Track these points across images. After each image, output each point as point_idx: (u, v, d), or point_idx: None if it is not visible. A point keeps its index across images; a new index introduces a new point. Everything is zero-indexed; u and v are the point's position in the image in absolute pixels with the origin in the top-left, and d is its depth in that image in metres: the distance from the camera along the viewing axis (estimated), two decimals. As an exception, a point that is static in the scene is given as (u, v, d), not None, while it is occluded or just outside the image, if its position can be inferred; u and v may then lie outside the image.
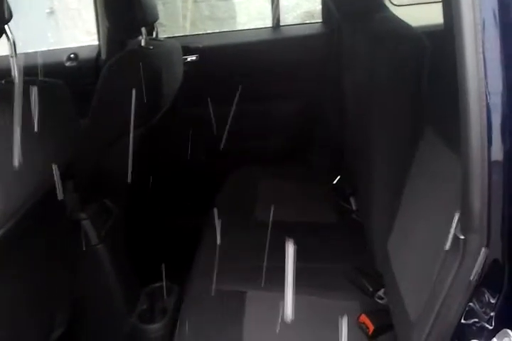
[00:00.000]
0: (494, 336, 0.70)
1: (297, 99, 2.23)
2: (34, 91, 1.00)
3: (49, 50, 2.25)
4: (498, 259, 0.72)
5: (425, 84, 1.25)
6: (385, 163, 1.40)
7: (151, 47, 1.69)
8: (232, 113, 2.18)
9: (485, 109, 0.72)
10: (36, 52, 2.21)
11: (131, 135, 1.59)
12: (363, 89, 1.56)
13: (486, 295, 0.73)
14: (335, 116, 1.95)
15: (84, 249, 1.57)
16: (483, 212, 0.71)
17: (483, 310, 0.73)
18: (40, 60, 2.14)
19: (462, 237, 0.73)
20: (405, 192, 1.28)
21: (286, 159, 2.31)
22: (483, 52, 0.71)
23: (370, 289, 1.43)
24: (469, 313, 0.75)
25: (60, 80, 1.24)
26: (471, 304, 0.75)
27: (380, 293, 1.42)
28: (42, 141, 1.07)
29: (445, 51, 1.00)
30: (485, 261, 0.72)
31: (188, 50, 2.14)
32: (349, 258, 1.58)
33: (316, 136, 2.21)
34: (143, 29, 1.66)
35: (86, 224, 1.56)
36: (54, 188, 1.18)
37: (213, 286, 1.51)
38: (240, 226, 1.80)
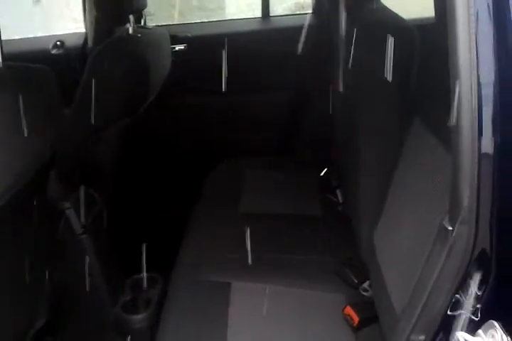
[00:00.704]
0: (480, 327, 0.70)
1: (286, 90, 2.22)
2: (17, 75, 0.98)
3: (35, 37, 2.22)
4: (485, 251, 0.72)
5: (415, 75, 1.24)
6: (373, 156, 1.40)
7: (139, 35, 1.66)
8: (219, 103, 2.17)
9: (476, 101, 0.72)
10: (22, 39, 2.18)
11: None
12: (352, 81, 1.55)
13: (472, 287, 0.73)
14: (323, 108, 1.94)
15: (67, 238, 1.56)
16: (472, 203, 0.70)
17: (470, 301, 0.73)
18: (25, 47, 2.12)
19: (450, 228, 0.72)
20: (392, 185, 1.28)
21: (273, 150, 2.30)
22: (476, 45, 0.71)
23: (356, 281, 1.44)
24: (455, 305, 0.75)
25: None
26: (457, 295, 0.75)
27: (365, 285, 1.42)
28: (22, 128, 1.05)
29: (436, 43, 0.99)
30: (472, 253, 0.72)
31: (176, 39, 2.11)
32: (335, 250, 1.58)
33: (304, 128, 2.20)
34: (131, 17, 1.64)
35: (70, 213, 1.54)
36: (35, 177, 1.16)
37: (198, 277, 1.50)
38: (225, 217, 1.79)
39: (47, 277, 1.44)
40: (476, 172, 0.71)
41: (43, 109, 1.18)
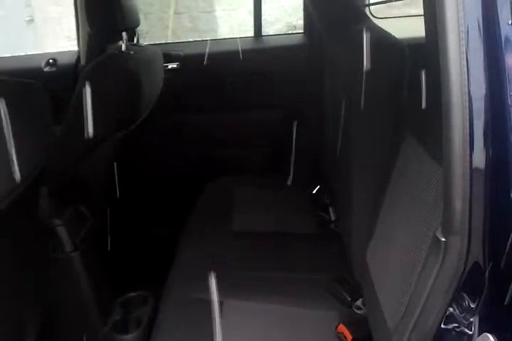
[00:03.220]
0: (474, 341, 0.69)
1: (277, 108, 2.23)
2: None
3: (27, 55, 2.22)
4: (478, 263, 0.72)
5: (406, 91, 1.25)
6: (364, 172, 1.40)
7: (132, 52, 1.67)
8: (211, 121, 2.18)
9: (467, 115, 0.72)
10: (14, 57, 2.19)
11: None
12: (343, 99, 1.56)
13: (466, 300, 0.73)
14: (314, 125, 1.95)
15: (58, 256, 1.54)
16: (465, 213, 0.70)
17: (463, 314, 0.72)
18: (18, 65, 2.12)
19: (443, 239, 0.72)
20: (385, 201, 1.28)
21: (265, 168, 2.30)
22: (467, 60, 0.72)
23: (349, 299, 1.42)
24: (449, 318, 0.75)
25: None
26: (450, 309, 0.74)
27: (359, 303, 1.40)
28: (12, 144, 1.04)
29: (427, 60, 1.01)
30: (465, 265, 0.72)
31: (169, 58, 2.13)
32: (328, 268, 1.57)
33: (295, 146, 2.21)
34: (124, 34, 1.65)
35: (60, 230, 1.53)
36: (25, 193, 1.15)
37: (189, 295, 1.48)
38: (217, 236, 1.77)
39: (36, 294, 1.42)
40: (468, 185, 0.71)
41: (33, 123, 1.17)
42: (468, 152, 0.72)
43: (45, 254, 1.48)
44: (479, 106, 0.73)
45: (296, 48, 2.30)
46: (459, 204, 0.70)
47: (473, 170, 0.71)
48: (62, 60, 2.13)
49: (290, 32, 3.16)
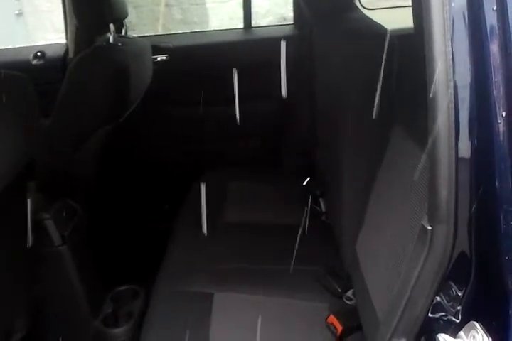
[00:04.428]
0: (461, 329, 0.69)
1: (268, 100, 2.22)
2: None
3: (15, 48, 2.20)
4: (465, 251, 0.72)
5: (394, 82, 1.25)
6: (355, 164, 1.40)
7: (120, 44, 1.66)
8: (201, 113, 2.17)
9: (452, 104, 0.72)
10: (1, 50, 2.16)
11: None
12: (333, 89, 1.55)
13: (452, 289, 0.73)
14: (306, 117, 1.95)
15: (46, 249, 1.53)
16: (451, 202, 0.70)
17: (450, 303, 0.72)
18: (5, 58, 2.10)
19: (429, 227, 0.72)
20: (374, 192, 1.27)
21: (257, 160, 2.29)
22: (452, 49, 0.71)
23: (339, 290, 1.42)
24: (436, 307, 0.74)
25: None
26: (437, 297, 0.74)
27: (349, 293, 1.41)
28: None
29: (415, 50, 1.00)
30: (452, 253, 0.72)
31: (158, 50, 2.11)
32: (318, 259, 1.57)
33: (287, 138, 2.20)
34: (111, 25, 1.63)
35: (49, 224, 1.52)
36: (13, 187, 1.14)
37: (180, 288, 1.48)
38: (208, 229, 1.77)
39: (25, 289, 1.41)
40: (453, 173, 0.71)
41: (20, 116, 1.16)
42: (453, 140, 0.72)
43: (34, 248, 1.47)
44: (464, 94, 0.72)
45: (286, 39, 2.28)
46: (444, 193, 0.70)
47: (458, 159, 0.71)
48: (50, 53, 2.12)
49: (280, 23, 3.14)
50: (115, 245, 1.88)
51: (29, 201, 1.39)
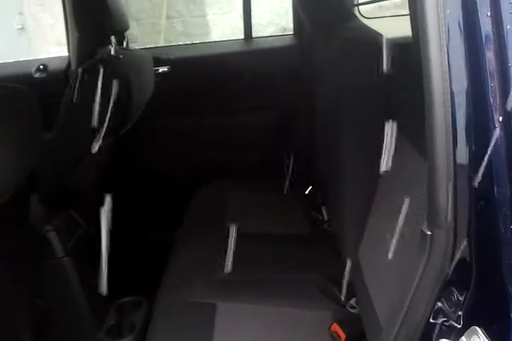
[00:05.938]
0: (463, 334, 0.69)
1: (268, 110, 2.23)
2: None
3: (17, 61, 2.22)
4: (465, 256, 0.72)
5: (394, 91, 1.25)
6: (356, 173, 1.40)
7: (121, 56, 1.67)
8: (202, 125, 2.18)
9: (450, 111, 0.72)
10: (4, 63, 2.18)
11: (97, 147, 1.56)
12: (333, 99, 1.56)
13: (453, 294, 0.72)
14: (306, 126, 1.95)
15: (49, 261, 1.53)
16: (449, 207, 0.70)
17: (452, 308, 0.72)
18: (8, 71, 2.12)
19: (429, 233, 0.72)
20: (376, 200, 1.27)
21: (257, 170, 2.30)
22: (448, 56, 0.72)
23: (342, 298, 1.42)
24: (437, 312, 0.74)
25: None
26: (439, 303, 0.74)
27: (352, 302, 1.40)
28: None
29: (414, 60, 1.01)
30: (452, 258, 0.72)
31: (159, 62, 2.13)
32: (321, 268, 1.57)
33: (287, 147, 2.21)
34: (112, 38, 1.65)
35: (51, 235, 1.52)
36: (15, 201, 1.15)
37: (183, 299, 1.48)
38: (210, 238, 1.77)
39: (29, 301, 1.41)
40: (452, 178, 0.71)
41: (22, 129, 1.17)
42: (451, 146, 0.72)
43: (37, 260, 1.47)
44: (461, 100, 0.73)
45: (286, 50, 2.30)
46: (443, 198, 0.70)
47: (456, 164, 0.72)
48: (52, 66, 2.13)
49: (280, 34, 3.16)
50: (118, 256, 1.87)
51: (31, 213, 1.39)
